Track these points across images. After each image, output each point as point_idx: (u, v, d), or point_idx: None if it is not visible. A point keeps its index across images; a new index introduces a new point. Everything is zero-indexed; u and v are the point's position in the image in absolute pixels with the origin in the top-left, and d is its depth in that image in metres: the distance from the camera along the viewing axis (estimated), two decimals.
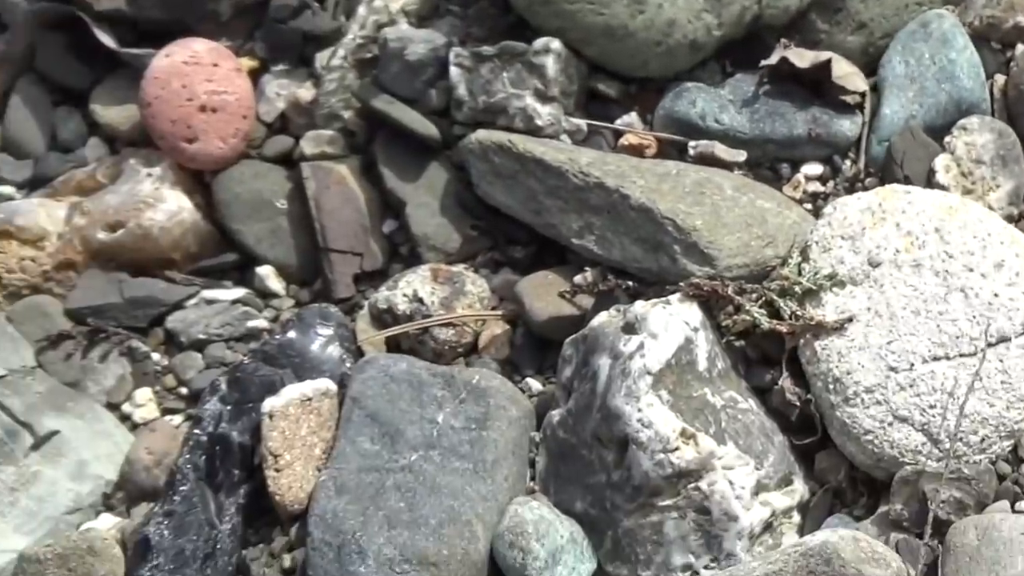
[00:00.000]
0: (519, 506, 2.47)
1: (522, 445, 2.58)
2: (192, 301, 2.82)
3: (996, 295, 2.51)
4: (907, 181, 2.70)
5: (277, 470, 2.53)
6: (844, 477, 2.53)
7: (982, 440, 2.47)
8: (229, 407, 2.61)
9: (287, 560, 2.50)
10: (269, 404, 2.56)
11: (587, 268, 2.66)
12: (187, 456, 2.59)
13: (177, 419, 2.76)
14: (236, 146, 2.89)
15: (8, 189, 2.98)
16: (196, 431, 2.60)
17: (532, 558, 2.41)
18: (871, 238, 2.57)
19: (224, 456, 2.57)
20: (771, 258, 2.58)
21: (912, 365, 2.46)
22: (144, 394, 2.77)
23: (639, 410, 2.40)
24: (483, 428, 2.54)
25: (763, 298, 2.53)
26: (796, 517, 2.49)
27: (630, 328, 2.47)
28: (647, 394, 2.40)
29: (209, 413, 2.60)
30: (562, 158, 2.67)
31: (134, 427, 2.75)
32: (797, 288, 2.53)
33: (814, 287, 2.53)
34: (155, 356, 2.80)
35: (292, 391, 2.59)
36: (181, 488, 2.54)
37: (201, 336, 2.79)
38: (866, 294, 2.53)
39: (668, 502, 2.39)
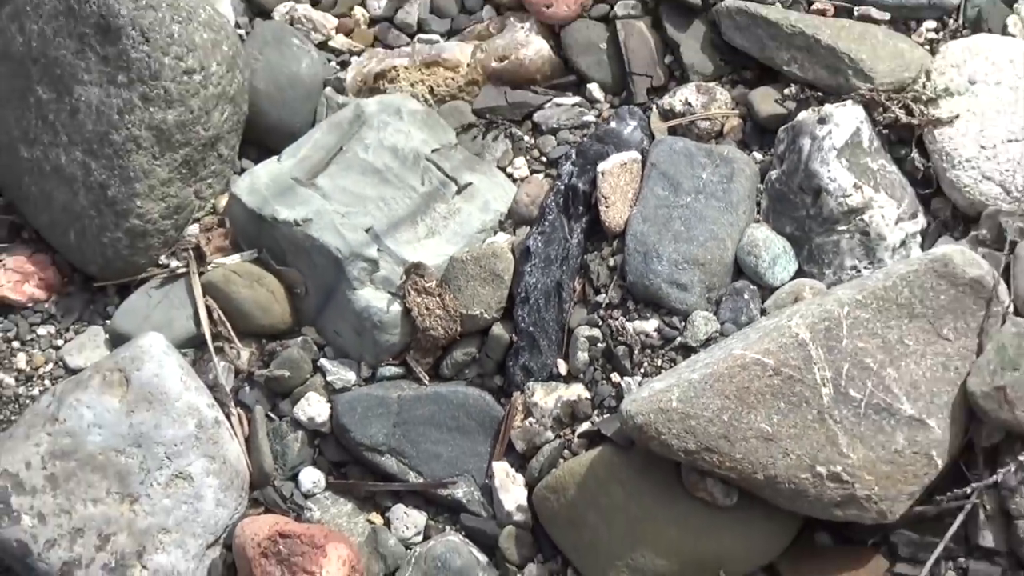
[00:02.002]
0: (753, 230, 2.89)
1: (753, 193, 2.93)
2: (548, 104, 3.17)
3: None
4: (990, 32, 3.01)
5: (607, 207, 2.91)
6: (949, 214, 2.87)
7: None
8: (576, 168, 2.98)
9: (611, 261, 2.90)
10: (602, 166, 2.93)
11: (793, 84, 3.00)
12: (552, 198, 2.96)
13: (540, 176, 3.10)
14: (576, 10, 3.21)
15: (435, 37, 3.34)
16: (557, 183, 2.97)
17: (760, 261, 2.85)
18: (970, 66, 2.90)
19: (574, 198, 2.95)
20: (907, 79, 2.92)
21: (995, 144, 2.80)
22: (520, 161, 3.14)
23: (828, 171, 2.79)
24: (730, 181, 2.90)
25: (902, 103, 2.87)
26: (919, 239, 2.87)
27: (822, 121, 2.83)
28: (833, 162, 2.80)
29: (565, 172, 2.98)
30: (779, 16, 2.99)
31: (514, 181, 3.13)
32: (923, 97, 2.88)
33: (934, 96, 2.89)
34: (526, 138, 3.12)
35: (615, 159, 2.94)
36: (548, 217, 2.93)
37: (555, 125, 3.13)
38: (966, 102, 2.87)
39: (843, 228, 2.79)
